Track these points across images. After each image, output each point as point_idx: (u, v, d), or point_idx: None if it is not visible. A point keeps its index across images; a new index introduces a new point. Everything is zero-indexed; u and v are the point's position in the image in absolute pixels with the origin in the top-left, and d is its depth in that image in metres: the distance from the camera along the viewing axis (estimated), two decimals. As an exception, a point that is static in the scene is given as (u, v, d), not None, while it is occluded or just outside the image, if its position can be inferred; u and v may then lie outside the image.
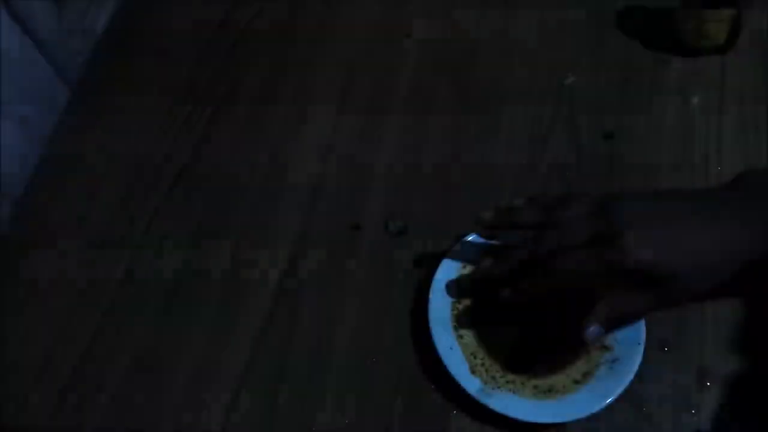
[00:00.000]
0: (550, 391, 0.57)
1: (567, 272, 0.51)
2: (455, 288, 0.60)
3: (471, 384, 0.56)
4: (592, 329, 0.51)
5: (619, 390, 0.56)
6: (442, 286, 0.61)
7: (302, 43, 0.77)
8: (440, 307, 0.60)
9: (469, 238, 0.62)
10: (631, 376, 0.56)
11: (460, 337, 0.59)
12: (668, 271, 0.49)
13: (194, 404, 0.59)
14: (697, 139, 0.69)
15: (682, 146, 0.68)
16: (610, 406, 0.56)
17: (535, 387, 0.57)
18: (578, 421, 0.56)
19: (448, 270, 0.61)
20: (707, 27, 0.69)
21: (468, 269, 0.62)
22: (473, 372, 0.58)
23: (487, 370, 0.58)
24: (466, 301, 0.61)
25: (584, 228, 0.51)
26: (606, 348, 0.58)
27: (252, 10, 0.80)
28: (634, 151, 0.69)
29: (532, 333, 0.59)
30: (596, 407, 0.55)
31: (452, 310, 0.60)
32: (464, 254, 0.62)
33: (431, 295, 0.60)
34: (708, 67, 0.73)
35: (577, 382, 0.57)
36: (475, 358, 0.58)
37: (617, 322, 0.52)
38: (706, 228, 0.49)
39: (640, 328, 0.58)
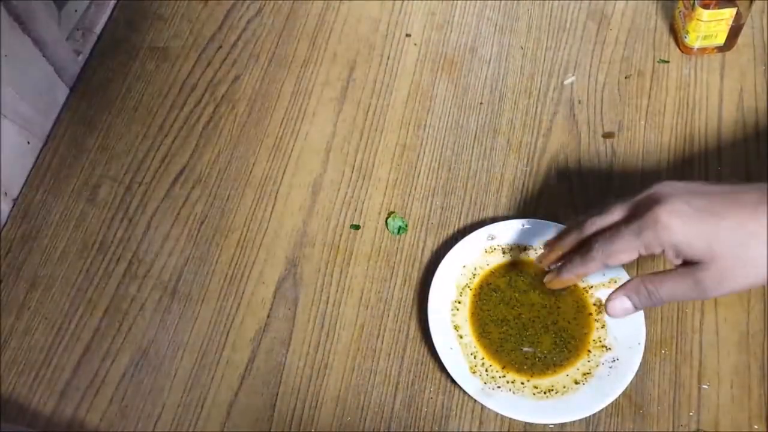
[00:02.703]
0: (550, 391, 0.57)
1: (607, 251, 0.49)
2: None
3: (471, 384, 0.56)
4: (620, 302, 0.50)
5: (619, 390, 0.56)
6: (442, 286, 0.61)
7: (302, 43, 0.77)
8: (440, 307, 0.60)
9: (470, 237, 0.63)
10: (631, 376, 0.56)
11: (460, 337, 0.59)
12: (703, 252, 0.45)
13: (194, 404, 0.59)
14: (697, 139, 0.69)
15: (682, 146, 0.68)
16: (610, 407, 0.56)
17: (535, 387, 0.57)
18: (578, 421, 0.56)
19: (448, 269, 0.61)
20: (707, 27, 0.69)
21: (468, 269, 0.62)
22: (473, 372, 0.58)
23: (487, 370, 0.58)
24: (467, 301, 0.61)
25: (624, 209, 0.50)
26: (606, 348, 0.58)
27: (252, 10, 0.80)
28: (634, 151, 0.69)
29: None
30: (596, 407, 0.55)
31: (452, 310, 0.60)
32: (465, 253, 0.62)
33: (431, 296, 0.60)
34: (708, 67, 0.73)
35: (577, 382, 0.57)
36: (475, 358, 0.58)
37: (647, 301, 0.50)
38: (751, 213, 0.45)
39: (640, 328, 0.58)
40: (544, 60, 0.75)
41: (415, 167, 0.69)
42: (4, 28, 0.65)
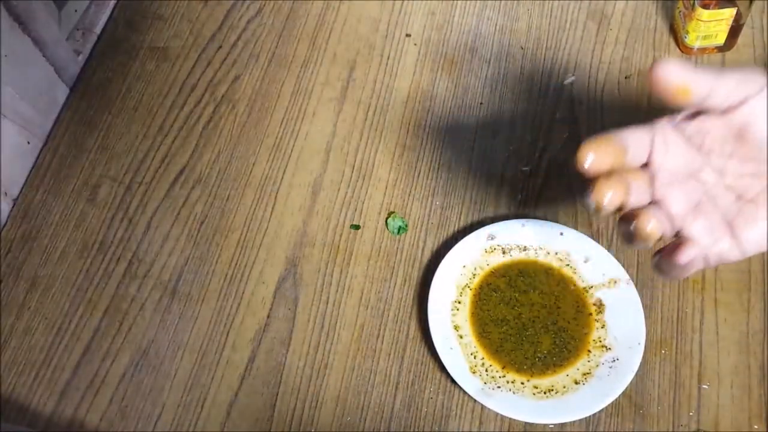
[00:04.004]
0: (550, 391, 0.57)
1: None
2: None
3: (471, 384, 0.56)
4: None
5: (619, 390, 0.56)
6: (442, 286, 0.61)
7: (302, 43, 0.77)
8: (440, 307, 0.60)
9: (470, 237, 0.63)
10: (631, 376, 0.56)
11: (460, 337, 0.59)
12: None
13: (194, 404, 0.59)
14: (697, 139, 0.69)
15: (682, 146, 0.68)
16: (610, 407, 0.57)
17: (535, 387, 0.57)
18: (578, 421, 0.56)
19: (448, 269, 0.61)
20: (707, 27, 0.69)
21: (468, 269, 0.62)
22: (473, 372, 0.58)
23: (487, 370, 0.58)
24: (467, 301, 0.61)
25: None
26: (606, 348, 0.58)
27: (252, 10, 0.80)
28: (634, 151, 0.69)
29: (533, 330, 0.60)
30: (596, 407, 0.56)
31: (452, 310, 0.60)
32: (465, 253, 0.62)
33: (431, 296, 0.60)
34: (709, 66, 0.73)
35: (577, 382, 0.57)
36: (475, 358, 0.58)
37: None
38: None
39: (640, 328, 0.58)
40: (544, 60, 0.75)
41: (415, 167, 0.69)
42: (4, 28, 0.65)
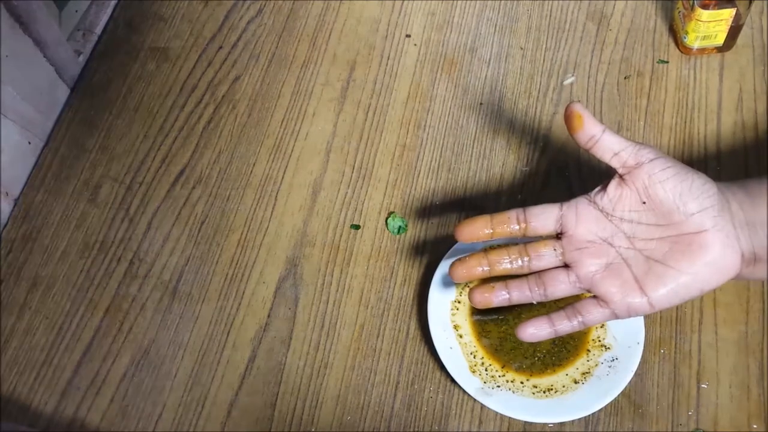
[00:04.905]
0: (549, 391, 0.57)
1: None
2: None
3: (470, 383, 0.57)
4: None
5: (619, 390, 0.56)
6: (442, 285, 0.61)
7: (302, 44, 0.77)
8: (440, 307, 0.60)
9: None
10: (630, 376, 0.56)
11: (460, 336, 0.59)
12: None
13: (195, 403, 0.59)
14: (697, 139, 0.69)
15: (681, 146, 0.69)
16: (609, 406, 0.57)
17: (535, 386, 0.57)
18: (577, 421, 0.57)
19: (448, 269, 0.61)
20: (706, 27, 0.69)
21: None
22: (473, 371, 0.58)
23: (486, 370, 0.58)
24: (467, 300, 0.61)
25: None
26: (606, 347, 0.59)
27: (252, 10, 0.80)
28: (634, 151, 0.69)
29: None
30: (596, 407, 0.56)
31: (452, 310, 0.61)
32: (465, 253, 0.62)
33: (431, 295, 0.60)
34: (707, 67, 0.73)
35: (576, 381, 0.57)
36: (474, 357, 0.59)
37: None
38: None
39: (640, 327, 0.58)
40: (544, 60, 0.75)
41: (415, 167, 0.70)
42: (5, 28, 0.65)
